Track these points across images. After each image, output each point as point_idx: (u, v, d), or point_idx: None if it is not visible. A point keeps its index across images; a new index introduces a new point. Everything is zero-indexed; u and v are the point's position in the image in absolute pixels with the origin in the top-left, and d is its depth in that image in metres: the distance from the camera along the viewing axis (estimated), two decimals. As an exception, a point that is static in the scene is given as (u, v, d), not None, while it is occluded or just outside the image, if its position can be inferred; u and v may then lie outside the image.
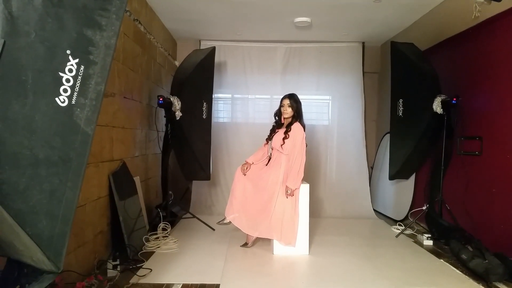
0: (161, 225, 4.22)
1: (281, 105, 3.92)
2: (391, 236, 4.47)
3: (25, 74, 1.55)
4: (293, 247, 3.72)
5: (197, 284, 2.93)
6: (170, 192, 4.64)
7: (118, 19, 1.69)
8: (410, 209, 4.97)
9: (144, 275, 3.05)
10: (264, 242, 4.01)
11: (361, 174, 6.02)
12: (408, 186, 5.16)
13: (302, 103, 3.93)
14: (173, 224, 4.59)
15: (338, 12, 4.75)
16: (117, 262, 3.04)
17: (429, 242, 4.10)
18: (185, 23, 5.38)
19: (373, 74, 6.49)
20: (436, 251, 3.88)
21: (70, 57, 1.61)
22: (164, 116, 4.46)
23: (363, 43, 6.20)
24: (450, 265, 3.43)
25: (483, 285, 2.98)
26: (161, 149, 4.73)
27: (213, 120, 5.42)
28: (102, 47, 1.66)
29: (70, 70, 1.61)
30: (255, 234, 3.81)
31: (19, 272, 1.72)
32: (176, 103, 4.30)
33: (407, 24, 5.27)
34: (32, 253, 1.60)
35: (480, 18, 3.73)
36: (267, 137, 4.02)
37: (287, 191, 3.70)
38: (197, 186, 5.82)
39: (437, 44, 4.60)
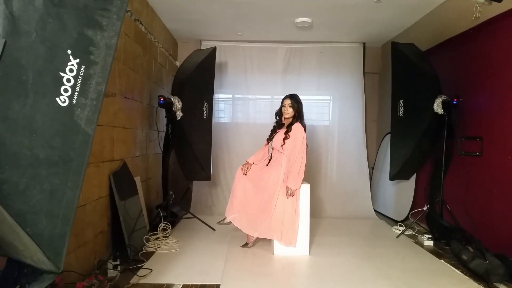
0: (162, 225, 4.22)
1: (282, 105, 3.92)
2: (391, 237, 4.47)
3: (26, 74, 1.55)
4: (294, 247, 3.72)
5: (197, 285, 2.93)
6: (171, 192, 4.64)
7: (119, 19, 1.69)
8: (411, 209, 4.96)
9: (145, 275, 3.05)
10: (265, 242, 4.01)
11: (362, 174, 6.01)
12: (408, 186, 5.15)
13: (303, 104, 3.93)
14: (173, 224, 4.59)
15: (338, 12, 4.75)
16: (118, 262, 3.04)
17: (430, 243, 4.10)
18: (186, 23, 5.39)
19: (373, 75, 6.49)
20: (436, 252, 3.87)
21: (70, 57, 1.61)
22: (165, 116, 4.46)
23: (364, 43, 6.20)
24: (450, 266, 3.43)
25: (483, 286, 2.97)
26: (162, 149, 4.73)
27: (214, 120, 5.43)
28: (103, 47, 1.66)
29: (71, 70, 1.61)
30: (255, 234, 3.81)
31: (19, 272, 1.72)
32: (177, 103, 4.30)
33: (408, 25, 5.26)
34: (32, 253, 1.60)
35: (481, 19, 3.73)
36: (267, 137, 4.02)
37: (287, 191, 3.70)
38: (197, 186, 5.82)
39: (437, 44, 4.60)
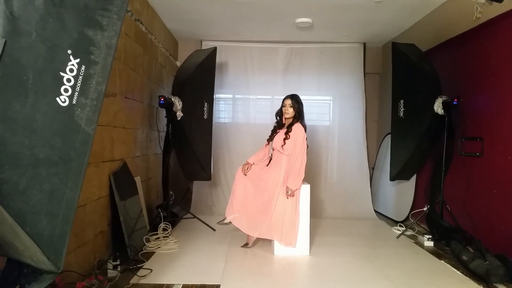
0: (162, 225, 4.22)
1: (282, 105, 3.93)
2: (391, 237, 4.47)
3: (26, 73, 1.55)
4: (294, 247, 3.72)
5: (197, 285, 2.93)
6: (171, 192, 4.64)
7: (119, 19, 1.69)
8: (411, 210, 4.96)
9: (145, 275, 3.05)
10: (265, 242, 4.01)
11: (362, 174, 6.01)
12: (409, 187, 5.15)
13: (303, 104, 3.93)
14: (173, 224, 4.58)
15: (339, 12, 4.75)
16: (118, 262, 3.04)
17: (430, 243, 4.09)
18: (186, 24, 5.39)
19: (374, 75, 6.49)
20: (436, 252, 3.87)
21: (71, 57, 1.60)
22: (165, 116, 4.46)
23: (364, 43, 6.20)
24: (450, 266, 3.43)
25: (483, 286, 2.97)
26: (162, 149, 4.73)
27: (214, 120, 5.43)
28: (103, 47, 1.66)
29: (71, 70, 1.60)
30: (255, 235, 3.81)
31: (19, 272, 1.72)
32: (177, 103, 4.30)
33: (408, 25, 5.26)
34: (32, 253, 1.60)
35: (481, 19, 3.73)
36: (268, 137, 4.02)
37: (287, 192, 3.70)
38: (197, 186, 5.82)
39: (438, 45, 4.60)
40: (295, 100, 3.87)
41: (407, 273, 3.28)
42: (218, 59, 5.12)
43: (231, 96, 6.30)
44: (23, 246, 1.59)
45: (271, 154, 3.96)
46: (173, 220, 4.64)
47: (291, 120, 3.89)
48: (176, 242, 3.98)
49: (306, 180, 3.89)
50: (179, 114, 4.36)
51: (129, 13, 3.85)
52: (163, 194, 4.89)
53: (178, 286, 2.89)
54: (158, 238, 4.03)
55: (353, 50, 6.17)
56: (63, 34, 1.60)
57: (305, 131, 3.83)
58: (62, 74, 1.59)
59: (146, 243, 3.82)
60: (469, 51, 4.02)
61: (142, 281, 2.96)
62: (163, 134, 4.84)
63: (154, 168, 4.97)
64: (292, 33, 5.67)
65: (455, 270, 3.34)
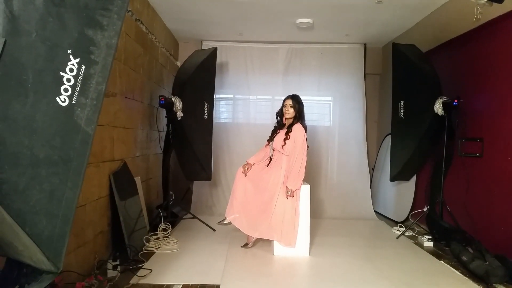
0: (162, 225, 4.22)
1: (283, 105, 3.92)
2: (391, 238, 4.47)
3: (26, 73, 1.55)
4: (293, 248, 3.72)
5: (197, 285, 2.92)
6: (171, 192, 4.64)
7: (119, 19, 1.68)
8: (411, 210, 4.96)
9: (144, 275, 3.05)
10: (265, 243, 4.01)
11: (362, 175, 6.01)
12: (409, 187, 5.15)
13: (304, 104, 3.93)
14: (173, 224, 4.58)
15: (339, 13, 4.75)
16: (117, 263, 3.04)
17: (430, 244, 4.09)
18: (187, 24, 5.39)
19: (374, 76, 6.48)
20: (436, 253, 3.87)
21: (71, 57, 1.60)
22: (166, 116, 4.46)
23: (365, 44, 6.20)
24: (450, 267, 3.43)
25: (483, 287, 2.97)
26: (162, 149, 4.73)
27: (215, 120, 5.43)
28: (103, 47, 1.66)
29: (71, 70, 1.60)
30: (255, 235, 3.81)
31: (18, 272, 1.72)
32: (178, 104, 4.30)
33: (409, 26, 5.26)
34: (31, 253, 1.59)
35: (482, 20, 3.73)
36: (268, 137, 4.02)
37: (287, 192, 3.70)
38: (198, 186, 5.81)
39: (438, 45, 4.59)
40: (296, 101, 3.87)
41: (407, 273, 3.28)
42: (218, 59, 5.12)
43: (231, 96, 6.30)
44: (23, 246, 1.59)
45: (271, 155, 3.97)
46: (173, 220, 4.63)
47: (291, 120, 3.89)
48: (176, 242, 3.98)
49: (306, 180, 3.89)
50: (179, 114, 4.36)
51: (130, 13, 3.85)
52: (163, 194, 4.89)
53: (178, 286, 2.89)
54: (158, 238, 4.03)
55: (353, 50, 6.17)
56: (63, 34, 1.60)
57: (306, 131, 3.83)
58: (62, 73, 1.59)
59: (146, 243, 3.82)
60: (469, 51, 4.02)
61: (142, 281, 2.95)
62: (163, 134, 4.84)
63: (154, 168, 4.97)
64: (293, 34, 5.67)
65: (455, 270, 3.33)
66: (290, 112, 3.86)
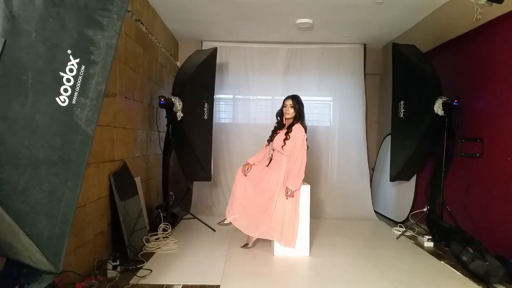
0: (162, 225, 4.22)
1: (283, 106, 3.92)
2: (391, 238, 4.46)
3: (26, 73, 1.55)
4: (293, 248, 3.71)
5: (197, 285, 2.92)
6: (171, 192, 4.64)
7: (119, 19, 1.68)
8: (411, 210, 4.96)
9: (144, 276, 3.04)
10: (265, 243, 4.01)
11: (362, 175, 6.01)
12: (409, 187, 5.15)
13: (304, 104, 3.93)
14: (173, 224, 4.58)
15: (339, 13, 4.75)
16: (117, 263, 3.04)
17: (430, 244, 4.09)
18: (187, 24, 5.39)
19: (374, 76, 6.49)
20: (436, 253, 3.87)
21: (71, 57, 1.60)
22: (166, 117, 4.46)
23: (365, 44, 6.20)
24: (450, 267, 3.43)
25: (483, 287, 2.97)
26: (162, 149, 4.73)
27: (215, 120, 5.44)
28: (103, 47, 1.66)
29: (71, 70, 1.60)
30: (255, 235, 3.81)
31: (18, 273, 1.71)
32: (178, 104, 4.30)
33: (409, 26, 5.26)
34: (31, 253, 1.59)
35: (482, 20, 3.73)
36: (268, 138, 4.02)
37: (287, 192, 3.70)
38: (198, 186, 5.81)
39: (438, 46, 4.59)
40: (296, 101, 3.87)
41: (407, 273, 3.28)
42: (218, 60, 5.12)
43: (231, 96, 6.30)
44: (23, 247, 1.59)
45: (271, 155, 3.96)
46: (173, 221, 4.63)
47: (291, 120, 3.88)
48: (176, 242, 3.98)
49: (306, 180, 3.88)
50: (179, 115, 4.36)
51: (130, 13, 3.85)
52: (163, 195, 4.89)
53: (178, 286, 2.89)
54: (158, 238, 4.03)
55: (353, 51, 6.17)
56: (63, 34, 1.60)
57: (306, 132, 3.83)
58: (61, 74, 1.59)
59: (146, 244, 3.82)
60: (469, 52, 4.02)
61: (142, 281, 2.95)
62: (163, 135, 4.84)
63: (154, 169, 4.97)
64: (293, 34, 5.67)
65: (455, 270, 3.33)
66: (290, 112, 3.86)
